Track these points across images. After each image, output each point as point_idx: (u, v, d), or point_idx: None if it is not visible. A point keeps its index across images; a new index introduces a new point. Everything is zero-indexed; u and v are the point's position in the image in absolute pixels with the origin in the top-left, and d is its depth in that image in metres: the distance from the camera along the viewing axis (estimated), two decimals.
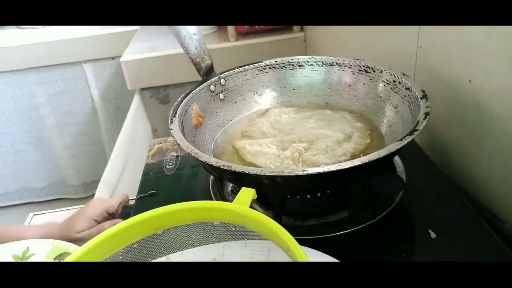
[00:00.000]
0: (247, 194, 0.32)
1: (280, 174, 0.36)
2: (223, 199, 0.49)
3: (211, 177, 0.51)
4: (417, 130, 0.38)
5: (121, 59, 1.20)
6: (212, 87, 0.54)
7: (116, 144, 0.94)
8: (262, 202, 0.47)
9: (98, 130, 1.58)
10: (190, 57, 0.52)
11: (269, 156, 0.46)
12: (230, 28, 1.19)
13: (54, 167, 1.64)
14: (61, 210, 0.66)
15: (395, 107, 0.48)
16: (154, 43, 1.25)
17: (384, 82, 0.50)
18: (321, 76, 0.55)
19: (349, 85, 0.54)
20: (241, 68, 0.56)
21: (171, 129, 0.45)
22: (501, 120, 0.43)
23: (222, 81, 0.55)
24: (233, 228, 0.31)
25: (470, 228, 0.41)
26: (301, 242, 0.27)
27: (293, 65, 0.56)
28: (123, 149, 0.94)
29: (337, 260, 0.35)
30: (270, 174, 0.36)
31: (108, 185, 0.78)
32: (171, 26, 0.51)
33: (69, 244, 0.51)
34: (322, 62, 0.55)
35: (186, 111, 0.49)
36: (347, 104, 0.54)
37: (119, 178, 0.84)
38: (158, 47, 1.21)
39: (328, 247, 0.36)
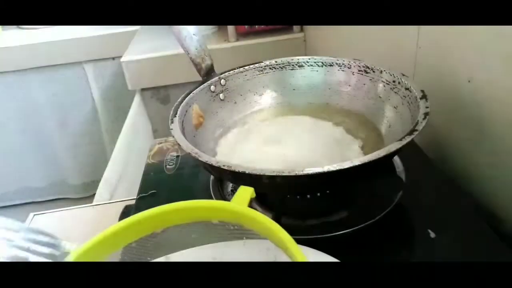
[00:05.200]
0: (245, 192, 0.32)
1: (280, 174, 0.36)
2: (223, 199, 0.49)
3: (212, 177, 0.51)
4: (416, 130, 0.38)
5: (122, 59, 1.20)
6: (212, 87, 0.54)
7: (117, 144, 0.95)
8: (262, 202, 0.47)
9: (98, 130, 1.59)
10: (191, 58, 0.52)
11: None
12: (230, 28, 1.19)
13: (54, 167, 1.64)
14: (62, 210, 0.66)
15: (395, 107, 0.48)
16: (155, 44, 1.25)
17: (384, 82, 0.50)
18: (321, 77, 0.56)
19: (349, 85, 0.54)
20: (241, 69, 0.56)
21: (172, 129, 0.45)
22: (501, 120, 0.43)
23: (222, 81, 0.55)
24: (232, 227, 0.31)
25: (470, 228, 0.41)
26: (301, 242, 0.27)
27: (293, 65, 0.57)
28: (124, 149, 0.94)
29: (337, 260, 0.35)
30: (270, 174, 0.36)
31: (108, 185, 0.78)
32: (171, 26, 0.51)
33: (69, 243, 0.51)
34: (322, 63, 0.55)
35: (186, 111, 0.49)
36: (347, 104, 0.54)
37: (120, 178, 0.84)
38: (159, 48, 1.22)
39: (328, 247, 0.36)
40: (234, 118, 0.55)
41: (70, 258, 0.28)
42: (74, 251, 0.29)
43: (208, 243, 0.34)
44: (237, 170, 0.37)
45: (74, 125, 1.57)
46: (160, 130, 1.28)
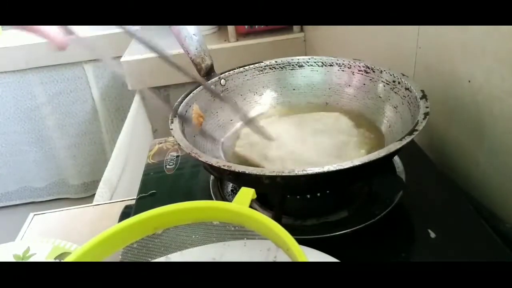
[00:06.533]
0: (247, 193, 0.32)
1: (280, 174, 0.36)
2: (223, 199, 0.49)
3: (211, 177, 0.51)
4: (416, 130, 0.38)
5: (122, 59, 1.20)
6: (212, 87, 0.54)
7: (117, 144, 0.95)
8: (262, 202, 0.47)
9: (98, 130, 1.59)
10: (191, 58, 0.52)
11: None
12: (230, 28, 1.19)
13: (54, 167, 1.64)
14: (62, 210, 0.66)
15: (395, 107, 0.48)
16: (155, 44, 1.25)
17: (384, 82, 0.50)
18: (321, 77, 0.56)
19: (349, 85, 0.54)
20: (241, 69, 0.56)
21: (172, 129, 0.45)
22: (501, 120, 0.43)
23: (222, 81, 0.55)
24: (233, 228, 0.31)
25: (470, 228, 0.41)
26: (301, 242, 0.27)
27: (293, 65, 0.57)
28: (124, 149, 0.94)
29: (337, 260, 0.35)
30: (270, 174, 0.36)
31: (108, 185, 0.78)
32: (171, 26, 0.51)
33: (69, 243, 0.51)
34: (322, 63, 0.55)
35: (186, 111, 0.49)
36: (347, 104, 0.54)
37: (120, 178, 0.84)
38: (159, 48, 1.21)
39: (328, 247, 0.36)
40: (234, 118, 0.55)
41: (70, 258, 0.28)
42: (74, 251, 0.29)
43: (209, 244, 0.34)
44: (237, 170, 0.37)
45: (74, 125, 1.57)
46: (160, 130, 1.28)
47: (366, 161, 0.35)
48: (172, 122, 0.46)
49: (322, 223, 0.43)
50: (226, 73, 0.55)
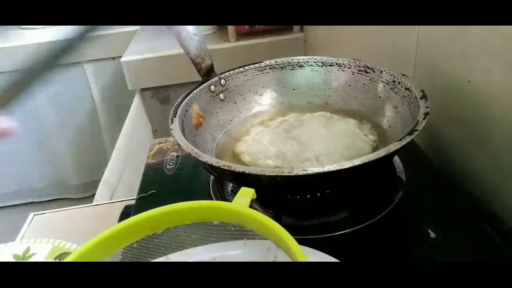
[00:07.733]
0: (247, 193, 0.32)
1: (280, 174, 0.36)
2: (223, 199, 0.49)
3: (211, 177, 0.51)
4: (416, 130, 0.38)
5: (122, 59, 1.20)
6: (212, 87, 0.54)
7: (117, 144, 0.95)
8: (262, 201, 0.47)
9: (98, 130, 1.58)
10: (191, 58, 0.52)
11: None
12: (230, 29, 1.19)
13: (54, 167, 1.64)
14: (62, 210, 0.66)
15: (395, 107, 0.48)
16: (155, 44, 1.25)
17: (384, 82, 0.50)
18: (321, 77, 0.56)
19: (349, 85, 0.54)
20: (241, 69, 0.56)
21: (172, 129, 0.45)
22: (501, 120, 0.43)
23: (223, 81, 0.55)
24: (233, 228, 0.31)
25: (470, 228, 0.41)
26: (301, 242, 0.27)
27: (293, 65, 0.57)
28: (123, 149, 0.94)
29: (337, 260, 0.35)
30: (270, 174, 0.36)
31: (108, 185, 0.78)
32: (171, 26, 0.51)
33: (69, 243, 0.51)
34: (322, 63, 0.55)
35: (186, 111, 0.49)
36: (347, 104, 0.54)
37: (120, 178, 0.84)
38: (159, 48, 1.21)
39: (328, 247, 0.36)
40: (234, 118, 0.55)
41: (70, 258, 0.28)
42: (74, 251, 0.29)
43: (209, 244, 0.34)
44: (237, 170, 0.37)
45: (73, 125, 1.57)
46: (160, 130, 1.28)
47: (366, 161, 0.35)
48: (172, 122, 0.46)
49: (322, 223, 0.43)
50: (226, 73, 0.55)
